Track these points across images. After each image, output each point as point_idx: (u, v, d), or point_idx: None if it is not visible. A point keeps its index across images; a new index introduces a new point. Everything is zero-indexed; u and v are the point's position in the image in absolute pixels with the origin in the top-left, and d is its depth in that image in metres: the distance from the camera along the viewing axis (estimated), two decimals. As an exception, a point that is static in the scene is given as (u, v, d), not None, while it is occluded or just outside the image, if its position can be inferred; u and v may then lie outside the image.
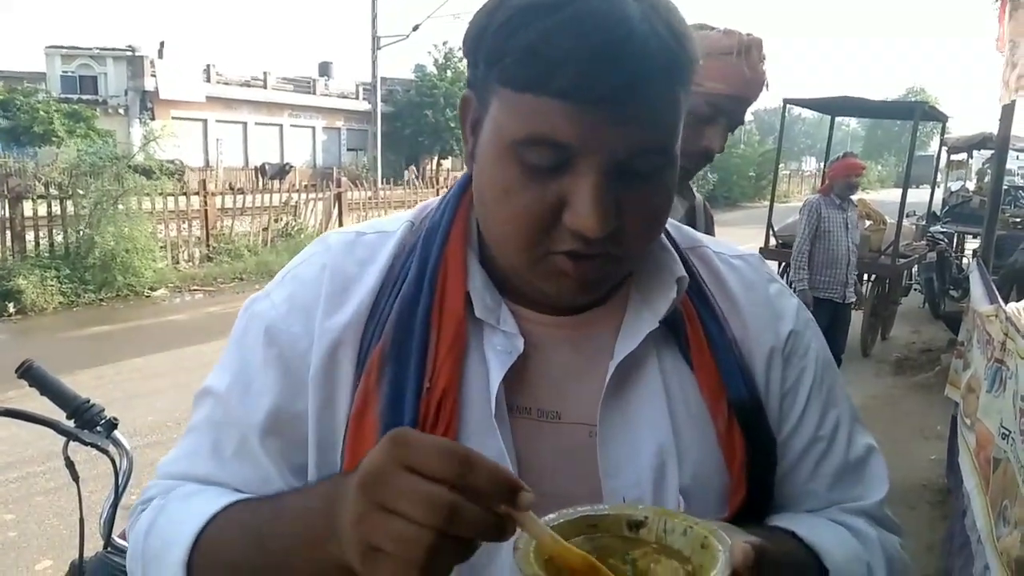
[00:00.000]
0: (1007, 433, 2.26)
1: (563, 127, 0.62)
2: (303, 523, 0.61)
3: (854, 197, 5.68)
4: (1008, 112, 4.03)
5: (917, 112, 7.88)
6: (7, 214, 9.02)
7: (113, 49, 27.00)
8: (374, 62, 21.84)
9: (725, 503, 0.75)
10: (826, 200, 5.42)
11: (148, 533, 0.75)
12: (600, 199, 0.63)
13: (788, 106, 8.69)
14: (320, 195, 13.78)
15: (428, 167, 29.01)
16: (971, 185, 14.93)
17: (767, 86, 1.55)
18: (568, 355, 0.77)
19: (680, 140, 0.68)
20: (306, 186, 14.55)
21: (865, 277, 7.30)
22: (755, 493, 0.76)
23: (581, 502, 0.70)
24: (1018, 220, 10.28)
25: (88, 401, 1.40)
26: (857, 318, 7.01)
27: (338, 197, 13.94)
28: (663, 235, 0.80)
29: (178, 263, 10.83)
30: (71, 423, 1.39)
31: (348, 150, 32.80)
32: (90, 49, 27.06)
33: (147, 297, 9.47)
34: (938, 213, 11.29)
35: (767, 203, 8.58)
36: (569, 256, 0.67)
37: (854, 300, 5.70)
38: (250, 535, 0.66)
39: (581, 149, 0.63)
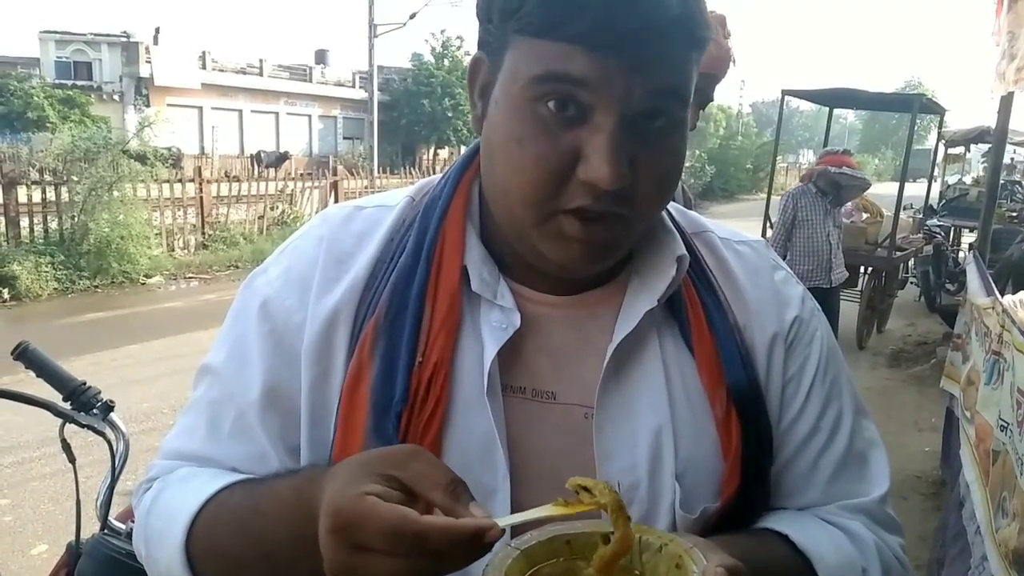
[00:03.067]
0: (1005, 425, 2.26)
1: (580, 66, 0.62)
2: (288, 511, 0.62)
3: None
4: (1007, 104, 4.00)
5: (915, 105, 7.85)
6: (1, 200, 8.96)
7: (108, 35, 26.76)
8: (371, 50, 21.76)
9: (719, 490, 0.74)
10: (804, 189, 5.38)
11: (149, 513, 0.75)
12: (616, 150, 0.62)
13: (786, 98, 8.65)
14: (316, 184, 13.75)
15: (425, 157, 28.93)
16: (968, 179, 14.94)
17: (734, 61, 1.56)
18: (566, 335, 0.75)
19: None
20: (302, 174, 14.52)
21: (861, 270, 7.31)
22: (749, 481, 0.74)
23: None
24: (1014, 214, 10.28)
25: (84, 383, 1.39)
26: (853, 311, 7.03)
27: (334, 186, 13.92)
28: (667, 216, 0.79)
29: (173, 250, 10.81)
30: (67, 405, 1.38)
31: (344, 139, 32.65)
32: (84, 35, 26.82)
33: (142, 284, 9.46)
34: (935, 207, 11.29)
35: (764, 195, 8.56)
36: (578, 216, 0.65)
37: (844, 279, 5.60)
38: (239, 521, 0.67)
39: (597, 96, 0.62)
